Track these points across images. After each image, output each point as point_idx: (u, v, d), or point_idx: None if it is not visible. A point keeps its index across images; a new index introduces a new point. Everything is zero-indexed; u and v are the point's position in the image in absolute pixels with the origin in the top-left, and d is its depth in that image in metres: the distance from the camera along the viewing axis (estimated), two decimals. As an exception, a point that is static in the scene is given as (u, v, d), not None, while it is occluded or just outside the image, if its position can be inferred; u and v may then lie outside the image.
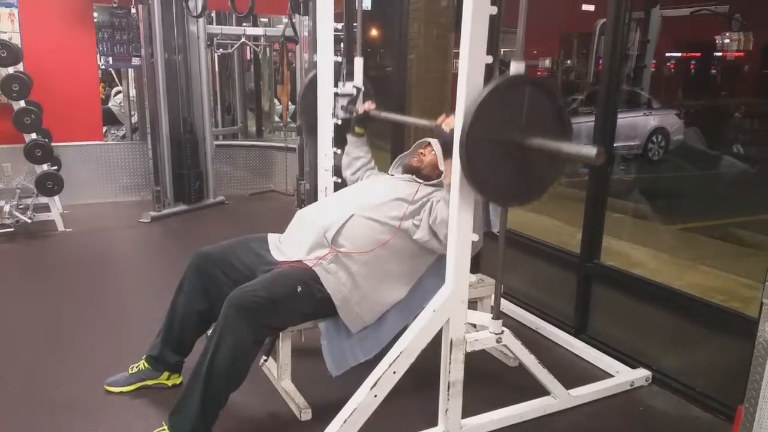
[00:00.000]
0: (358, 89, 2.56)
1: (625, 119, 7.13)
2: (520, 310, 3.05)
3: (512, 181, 1.75)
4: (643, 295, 2.57)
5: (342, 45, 4.27)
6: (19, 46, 4.42)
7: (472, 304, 2.43)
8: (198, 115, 5.18)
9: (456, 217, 1.77)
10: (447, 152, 1.81)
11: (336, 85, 2.58)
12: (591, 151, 1.55)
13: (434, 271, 2.23)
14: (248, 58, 7.13)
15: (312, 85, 2.70)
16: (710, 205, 5.65)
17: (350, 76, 2.61)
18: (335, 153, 2.70)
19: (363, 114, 2.55)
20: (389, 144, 4.23)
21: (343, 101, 2.57)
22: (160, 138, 4.81)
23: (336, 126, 2.63)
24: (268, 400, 2.26)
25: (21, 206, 4.30)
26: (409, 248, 2.18)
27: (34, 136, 4.25)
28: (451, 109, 1.78)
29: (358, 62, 2.62)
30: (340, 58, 2.57)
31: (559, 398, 2.23)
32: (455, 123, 1.69)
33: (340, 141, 2.67)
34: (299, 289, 2.00)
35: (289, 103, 6.78)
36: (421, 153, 2.40)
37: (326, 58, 2.58)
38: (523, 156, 1.70)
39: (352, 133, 2.61)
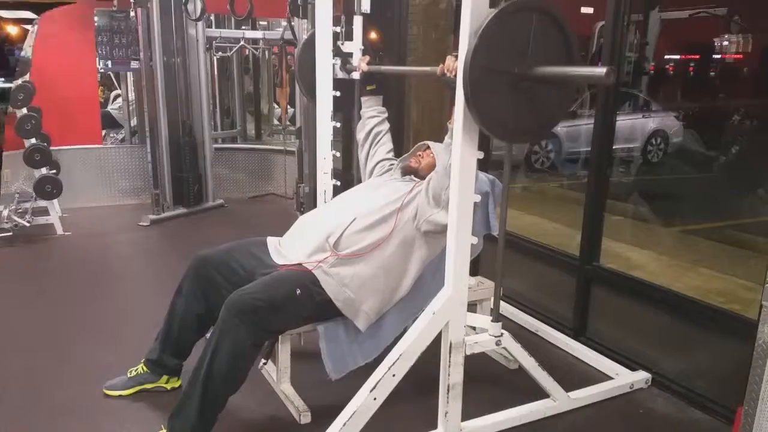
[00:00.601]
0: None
1: (624, 122, 7.13)
2: (519, 313, 3.05)
3: (519, 115, 1.69)
4: (643, 297, 2.57)
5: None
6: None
7: (472, 307, 2.43)
8: (197, 118, 5.17)
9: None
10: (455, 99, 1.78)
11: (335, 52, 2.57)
12: (600, 70, 1.51)
13: (433, 272, 2.24)
14: (247, 54, 7.09)
15: (309, 46, 2.65)
16: (709, 207, 5.64)
17: (349, 36, 2.58)
18: (334, 156, 2.70)
19: (363, 72, 2.54)
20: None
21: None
22: (159, 141, 4.81)
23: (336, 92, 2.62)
24: (267, 403, 2.26)
25: (20, 210, 4.29)
26: (410, 241, 2.17)
27: (33, 140, 4.24)
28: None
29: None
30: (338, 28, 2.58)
31: (558, 401, 2.23)
32: (458, 58, 1.66)
33: (341, 109, 2.64)
34: (298, 292, 1.99)
35: (288, 107, 6.77)
36: (420, 155, 2.42)
37: (325, 59, 2.58)
38: (530, 89, 1.66)
39: (364, 93, 2.60)
